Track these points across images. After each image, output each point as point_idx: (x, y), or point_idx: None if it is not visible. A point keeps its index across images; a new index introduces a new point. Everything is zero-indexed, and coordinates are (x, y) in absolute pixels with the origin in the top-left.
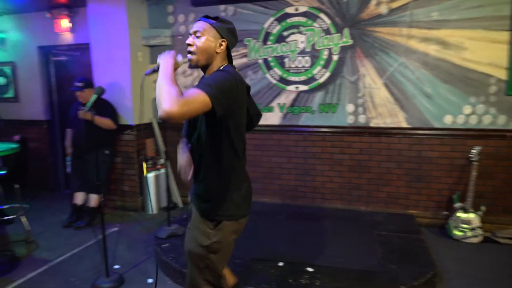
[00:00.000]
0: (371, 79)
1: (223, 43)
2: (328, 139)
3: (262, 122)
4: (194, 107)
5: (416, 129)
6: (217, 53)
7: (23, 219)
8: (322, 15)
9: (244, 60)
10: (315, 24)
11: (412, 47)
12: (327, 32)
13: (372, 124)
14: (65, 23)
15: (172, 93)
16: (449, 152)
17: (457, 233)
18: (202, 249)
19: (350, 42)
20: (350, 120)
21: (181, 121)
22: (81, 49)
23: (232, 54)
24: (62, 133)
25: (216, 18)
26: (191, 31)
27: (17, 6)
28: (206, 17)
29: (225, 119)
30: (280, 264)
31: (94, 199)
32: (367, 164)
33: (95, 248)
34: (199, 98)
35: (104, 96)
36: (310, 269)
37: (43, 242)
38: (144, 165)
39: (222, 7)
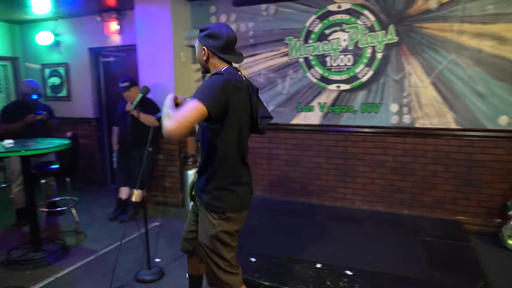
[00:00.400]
0: (417, 78)
1: (204, 50)
2: (370, 140)
3: (302, 121)
4: (190, 119)
5: (467, 130)
6: (206, 60)
7: (73, 211)
8: (366, 12)
9: (285, 59)
10: (359, 22)
11: (464, 43)
12: (371, 29)
13: (417, 125)
14: (113, 25)
15: (170, 115)
16: (504, 156)
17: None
18: (210, 238)
19: (396, 39)
20: (394, 120)
21: (184, 135)
22: (128, 50)
23: (273, 53)
24: (109, 131)
25: (200, 30)
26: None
27: (70, 10)
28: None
29: (221, 118)
30: (318, 265)
31: (138, 194)
32: (412, 166)
33: (138, 241)
34: (192, 109)
35: (148, 95)
36: (349, 272)
37: (91, 233)
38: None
39: (263, 6)
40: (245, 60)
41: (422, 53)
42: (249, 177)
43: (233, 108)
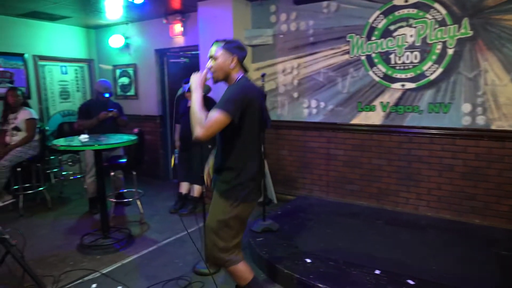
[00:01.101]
0: (495, 75)
1: (235, 59)
2: (437, 142)
3: (362, 121)
4: (215, 128)
5: None
6: (231, 68)
7: (138, 203)
8: (436, 5)
9: (346, 57)
10: (428, 16)
11: None
12: (441, 23)
13: (493, 127)
14: (178, 27)
15: (200, 121)
16: None
17: None
18: (218, 222)
19: (470, 33)
20: (465, 121)
21: (208, 139)
22: (191, 50)
23: (333, 51)
24: (172, 128)
25: (223, 41)
26: (208, 55)
27: (139, 14)
28: (217, 42)
29: (239, 121)
30: (377, 272)
31: (197, 189)
32: (485, 172)
33: (196, 234)
34: (218, 120)
35: (209, 94)
36: (411, 282)
37: (153, 224)
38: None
39: (324, 3)
40: (304, 59)
41: (501, 48)
42: (263, 172)
43: (250, 112)
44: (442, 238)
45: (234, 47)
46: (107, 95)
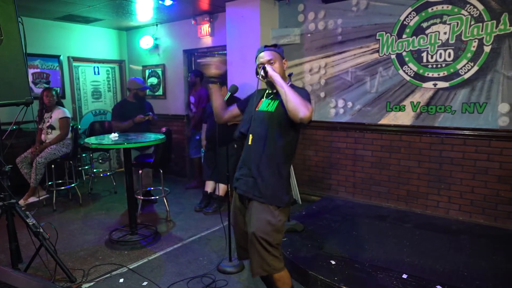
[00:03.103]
0: None
1: (286, 62)
2: (471, 144)
3: (391, 122)
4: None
5: None
6: (285, 70)
7: (164, 200)
8: (473, 1)
9: (375, 55)
10: (463, 12)
11: None
12: (478, 19)
13: None
14: (205, 28)
15: (304, 103)
16: None
17: None
18: (270, 226)
19: (510, 29)
20: (502, 122)
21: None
22: (218, 51)
23: (362, 50)
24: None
25: (275, 46)
26: (263, 60)
27: (168, 16)
28: (268, 47)
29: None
30: (404, 276)
31: (222, 188)
32: None
33: (221, 233)
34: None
35: (236, 94)
36: None
37: (179, 222)
38: None
39: (353, 1)
40: (332, 58)
41: None
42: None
43: None
44: (475, 244)
45: (282, 52)
46: (146, 87)
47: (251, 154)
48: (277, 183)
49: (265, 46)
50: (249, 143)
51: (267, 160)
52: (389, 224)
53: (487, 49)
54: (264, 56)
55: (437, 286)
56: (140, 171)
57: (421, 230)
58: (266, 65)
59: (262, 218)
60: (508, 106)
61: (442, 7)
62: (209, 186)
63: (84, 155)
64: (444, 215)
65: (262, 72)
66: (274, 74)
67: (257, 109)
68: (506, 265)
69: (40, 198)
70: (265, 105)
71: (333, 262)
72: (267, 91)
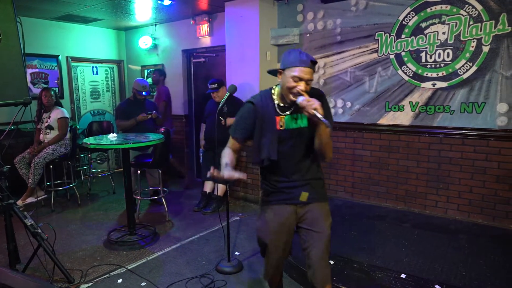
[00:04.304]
0: None
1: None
2: (470, 143)
3: (390, 121)
4: None
5: None
6: None
7: (163, 201)
8: (471, 1)
9: (374, 56)
10: (462, 12)
11: None
12: (476, 19)
13: None
14: (204, 28)
15: (331, 146)
16: None
17: None
18: (329, 228)
19: (509, 29)
20: (500, 122)
21: None
22: (217, 51)
23: (361, 50)
24: (197, 127)
25: (312, 61)
26: (306, 77)
27: (167, 16)
28: (309, 64)
29: None
30: (403, 276)
31: (221, 189)
32: None
33: (220, 233)
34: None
35: (235, 94)
36: (438, 287)
37: (177, 222)
38: None
39: (353, 1)
40: (331, 58)
41: None
42: None
43: None
44: (473, 243)
45: None
46: (144, 93)
47: (288, 167)
48: (322, 182)
49: (312, 61)
50: (280, 159)
51: (311, 165)
52: (388, 224)
53: (485, 49)
54: (309, 73)
55: (435, 286)
56: (138, 172)
57: (420, 229)
58: (317, 106)
59: (328, 216)
60: (507, 106)
61: (441, 7)
62: (208, 186)
63: (82, 155)
64: (442, 214)
65: (318, 114)
66: (322, 117)
67: (281, 128)
68: (504, 265)
69: (38, 198)
70: (291, 121)
71: (331, 262)
72: (276, 105)
